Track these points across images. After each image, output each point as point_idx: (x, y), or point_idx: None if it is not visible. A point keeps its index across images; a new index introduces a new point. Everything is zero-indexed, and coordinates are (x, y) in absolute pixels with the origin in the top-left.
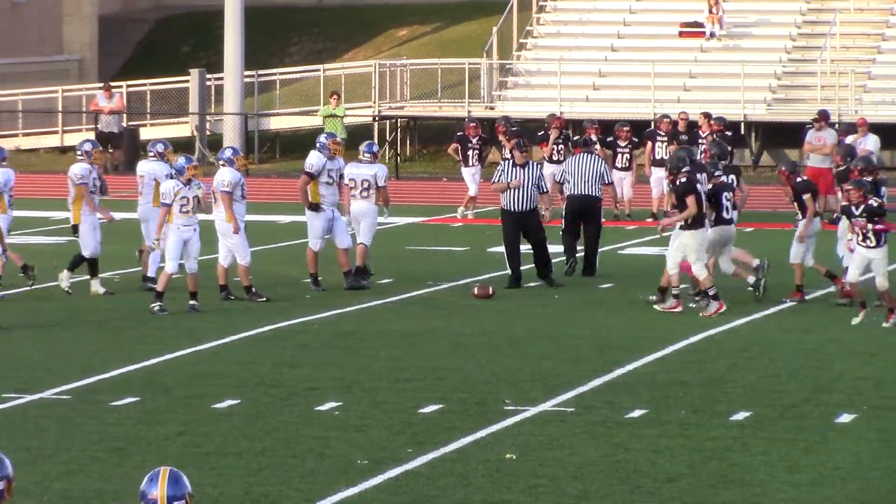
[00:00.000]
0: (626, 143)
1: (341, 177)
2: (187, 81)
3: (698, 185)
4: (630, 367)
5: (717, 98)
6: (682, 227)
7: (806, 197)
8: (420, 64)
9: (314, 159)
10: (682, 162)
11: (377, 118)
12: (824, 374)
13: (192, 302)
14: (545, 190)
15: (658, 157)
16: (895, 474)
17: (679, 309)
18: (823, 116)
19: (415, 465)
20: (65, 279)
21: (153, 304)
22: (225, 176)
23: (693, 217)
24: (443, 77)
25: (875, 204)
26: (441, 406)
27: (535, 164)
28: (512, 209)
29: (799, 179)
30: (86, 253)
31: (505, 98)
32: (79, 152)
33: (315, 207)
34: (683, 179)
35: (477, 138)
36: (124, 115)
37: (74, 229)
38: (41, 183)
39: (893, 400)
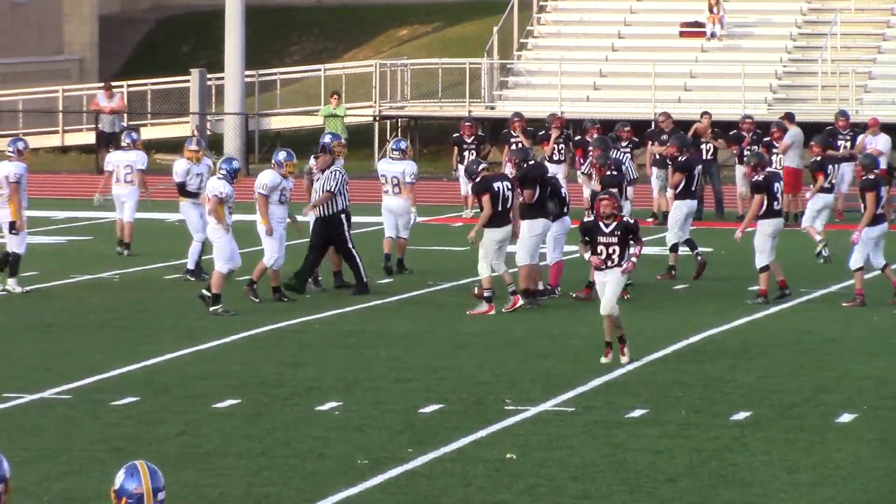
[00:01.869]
0: (627, 142)
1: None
2: (188, 81)
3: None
4: (630, 367)
5: (718, 98)
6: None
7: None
8: (421, 64)
9: (268, 179)
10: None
11: (378, 118)
12: (825, 375)
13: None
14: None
15: (658, 157)
16: (895, 474)
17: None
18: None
19: (415, 465)
20: (13, 284)
21: (215, 307)
22: (264, 178)
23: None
24: (443, 77)
25: None
26: (441, 406)
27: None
28: None
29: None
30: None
31: (506, 98)
32: (10, 150)
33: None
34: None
35: (472, 138)
36: (125, 115)
37: (12, 226)
38: (42, 183)
39: (894, 400)
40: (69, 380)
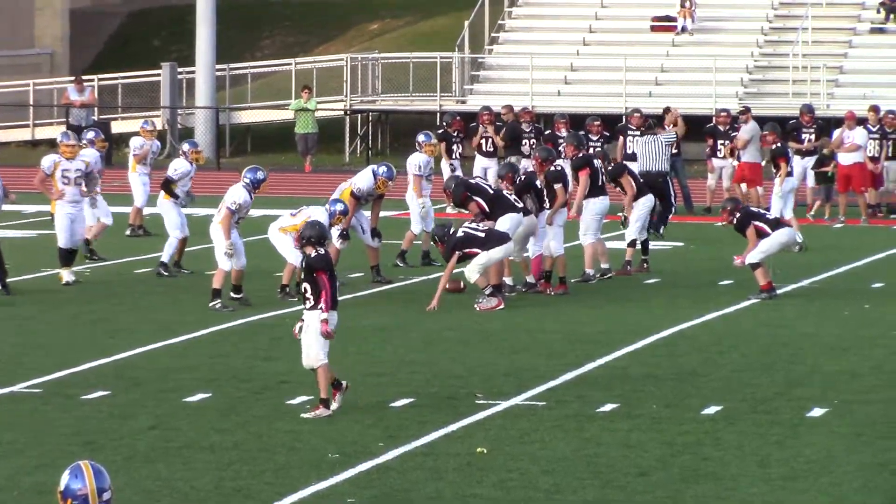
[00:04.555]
0: (598, 137)
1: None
2: (159, 75)
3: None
4: (602, 361)
5: (689, 92)
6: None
7: (557, 187)
8: (392, 58)
9: (239, 196)
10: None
11: (349, 112)
12: (797, 369)
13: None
14: None
15: (630, 152)
16: (867, 468)
17: None
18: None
19: (386, 458)
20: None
21: (214, 303)
22: (237, 196)
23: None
24: (414, 71)
25: None
26: (413, 400)
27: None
28: None
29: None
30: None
31: (477, 92)
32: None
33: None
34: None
35: (457, 133)
36: (95, 109)
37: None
38: (13, 176)
39: (866, 394)
40: (40, 374)
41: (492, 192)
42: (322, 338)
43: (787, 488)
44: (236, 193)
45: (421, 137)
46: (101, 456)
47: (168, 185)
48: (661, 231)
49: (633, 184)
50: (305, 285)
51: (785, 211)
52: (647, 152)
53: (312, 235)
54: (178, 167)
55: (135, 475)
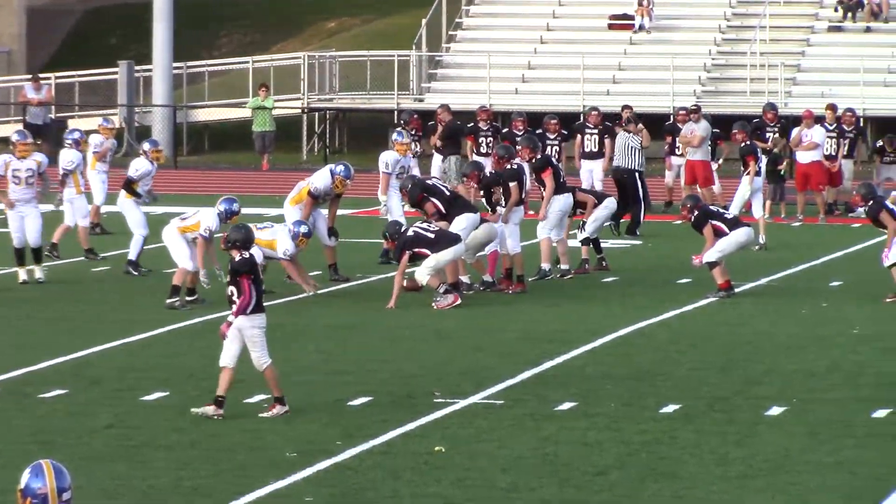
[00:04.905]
0: (556, 135)
1: None
2: (116, 73)
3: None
4: (560, 359)
5: (647, 90)
6: None
7: (512, 185)
8: (349, 56)
9: (212, 223)
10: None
11: (306, 110)
12: (754, 368)
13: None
14: None
15: (587, 150)
16: (824, 467)
17: None
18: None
19: (344, 457)
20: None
21: (171, 300)
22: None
23: None
24: (372, 69)
25: None
26: (370, 399)
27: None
28: None
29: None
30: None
31: (434, 90)
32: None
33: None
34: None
35: (416, 131)
36: (52, 107)
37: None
38: None
39: (823, 393)
40: None
41: (448, 193)
42: (260, 340)
43: (745, 487)
44: (209, 220)
45: (394, 135)
46: (58, 455)
47: (129, 185)
48: (618, 230)
49: (554, 181)
50: (231, 289)
51: (755, 210)
52: (625, 148)
53: (238, 239)
54: (138, 167)
55: (93, 474)
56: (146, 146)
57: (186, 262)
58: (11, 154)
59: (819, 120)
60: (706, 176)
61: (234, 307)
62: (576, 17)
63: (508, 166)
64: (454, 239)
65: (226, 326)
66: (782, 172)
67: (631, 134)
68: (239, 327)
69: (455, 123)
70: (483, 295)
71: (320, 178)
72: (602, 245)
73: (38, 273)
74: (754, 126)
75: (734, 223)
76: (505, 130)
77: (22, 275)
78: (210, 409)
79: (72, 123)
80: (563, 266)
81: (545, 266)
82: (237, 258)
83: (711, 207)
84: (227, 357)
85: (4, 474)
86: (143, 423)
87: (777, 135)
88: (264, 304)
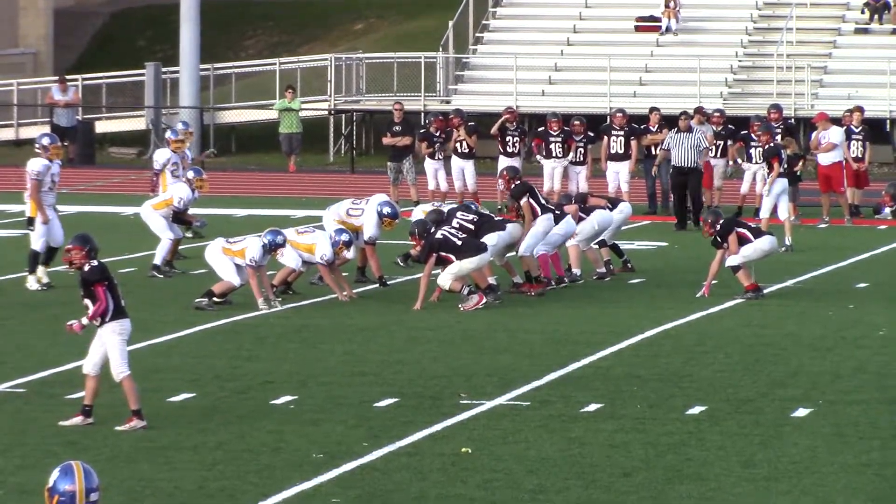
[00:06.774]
0: (581, 137)
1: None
2: (143, 75)
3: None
4: (586, 361)
5: (673, 93)
6: None
7: (523, 202)
8: (376, 58)
9: (257, 254)
10: None
11: (333, 112)
12: (780, 369)
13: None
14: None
15: (613, 152)
16: (850, 469)
17: None
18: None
19: (370, 459)
20: (33, 282)
21: (200, 300)
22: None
23: None
24: (399, 71)
25: None
26: (396, 400)
27: None
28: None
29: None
30: (35, 246)
31: (461, 92)
32: (37, 146)
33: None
34: None
35: (440, 132)
36: (79, 109)
37: (29, 222)
38: None
39: (849, 395)
40: (23, 373)
41: (459, 241)
42: (119, 348)
43: (770, 489)
44: (254, 250)
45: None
46: (84, 455)
47: (180, 217)
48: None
49: (537, 208)
50: (86, 301)
51: (780, 212)
52: (681, 148)
53: (92, 248)
54: (181, 195)
55: (118, 475)
56: (190, 174)
57: (233, 278)
58: (46, 159)
59: (835, 121)
60: (844, 177)
61: (90, 312)
62: (602, 18)
63: (515, 184)
64: (480, 247)
65: (77, 325)
66: (799, 174)
67: (690, 132)
68: (100, 333)
69: (522, 127)
70: (508, 296)
71: (371, 226)
72: (624, 248)
73: (46, 277)
74: (744, 136)
75: (758, 232)
76: (540, 129)
77: (35, 283)
78: (78, 420)
79: (99, 125)
80: (576, 270)
81: (576, 271)
82: (86, 268)
83: (737, 219)
84: (90, 365)
85: (31, 475)
86: (168, 424)
87: (779, 136)
88: (291, 304)
